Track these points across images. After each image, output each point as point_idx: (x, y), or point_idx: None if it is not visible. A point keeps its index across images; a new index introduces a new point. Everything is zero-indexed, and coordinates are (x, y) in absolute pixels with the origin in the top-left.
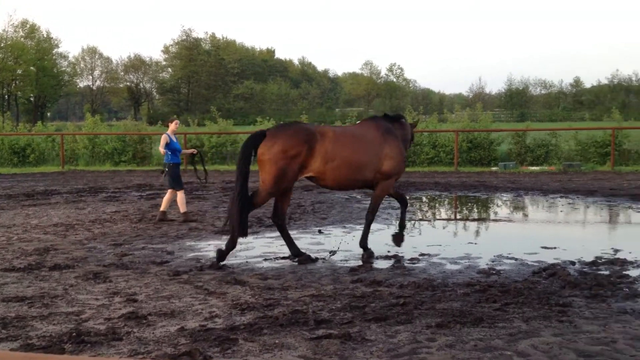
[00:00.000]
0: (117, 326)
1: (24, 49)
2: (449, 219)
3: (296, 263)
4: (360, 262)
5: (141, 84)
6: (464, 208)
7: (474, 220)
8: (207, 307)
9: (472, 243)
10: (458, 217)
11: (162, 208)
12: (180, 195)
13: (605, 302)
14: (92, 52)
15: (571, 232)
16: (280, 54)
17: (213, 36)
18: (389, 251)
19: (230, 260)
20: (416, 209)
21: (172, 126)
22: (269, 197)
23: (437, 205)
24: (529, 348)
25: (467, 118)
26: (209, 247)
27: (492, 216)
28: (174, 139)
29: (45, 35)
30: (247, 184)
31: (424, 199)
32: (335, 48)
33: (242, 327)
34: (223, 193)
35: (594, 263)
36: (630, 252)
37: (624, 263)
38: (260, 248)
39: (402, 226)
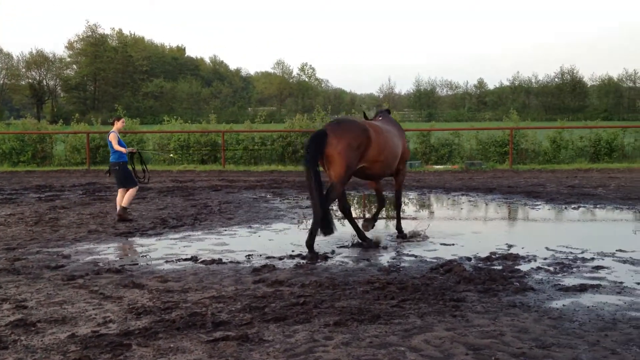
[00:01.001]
0: (3, 334)
1: None
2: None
3: (199, 264)
4: (263, 262)
5: (44, 81)
6: (371, 207)
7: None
8: (102, 312)
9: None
10: (364, 216)
11: (124, 203)
12: (133, 192)
13: (497, 296)
14: None
15: (469, 229)
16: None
17: (120, 32)
18: (293, 250)
19: (129, 263)
20: None
21: (119, 124)
22: (342, 187)
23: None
24: (422, 343)
25: None
26: (108, 250)
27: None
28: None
29: None
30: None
31: None
32: (248, 47)
33: (136, 332)
34: None
35: (488, 258)
36: (522, 248)
37: (516, 258)
38: (163, 250)
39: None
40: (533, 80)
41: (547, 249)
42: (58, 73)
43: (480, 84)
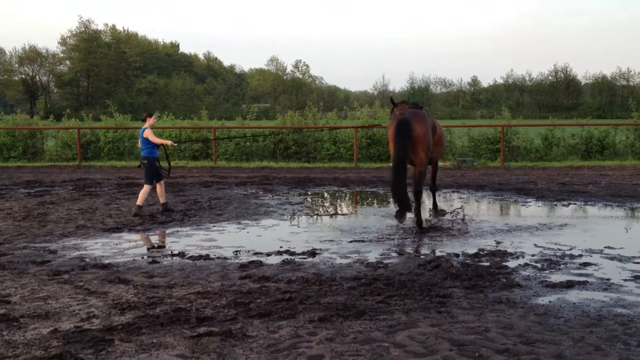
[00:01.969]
0: None
1: None
2: (345, 214)
3: (186, 260)
4: (250, 258)
5: (37, 77)
6: (363, 203)
7: (369, 215)
8: (86, 307)
9: (364, 238)
10: (355, 212)
11: (138, 202)
12: (147, 190)
13: (483, 292)
14: None
15: (457, 226)
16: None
17: (113, 28)
18: (281, 247)
19: (115, 259)
20: (313, 205)
21: (152, 120)
22: (426, 167)
23: (335, 200)
24: (406, 339)
25: (366, 115)
26: (95, 246)
27: (388, 211)
28: None
29: None
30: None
31: (325, 194)
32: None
33: (119, 328)
34: (117, 190)
35: (476, 255)
36: (511, 244)
37: (504, 255)
38: (150, 245)
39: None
40: (527, 78)
41: (536, 245)
42: (51, 69)
43: (474, 81)
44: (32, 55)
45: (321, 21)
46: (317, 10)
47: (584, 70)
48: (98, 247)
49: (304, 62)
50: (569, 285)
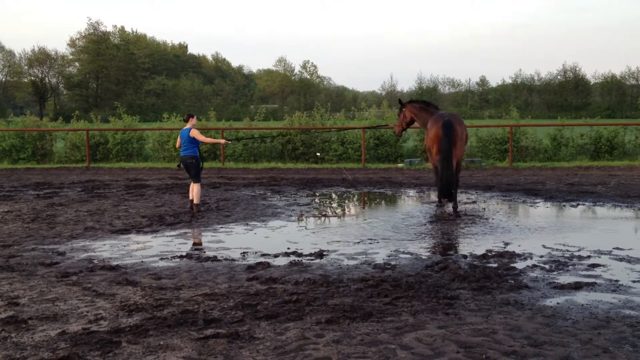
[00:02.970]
0: None
1: None
2: (352, 215)
3: (194, 261)
4: (258, 260)
5: (47, 79)
6: (371, 204)
7: (375, 216)
8: (93, 309)
9: (371, 239)
10: (362, 213)
11: (195, 201)
12: (199, 187)
13: (491, 294)
14: None
15: (465, 227)
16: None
17: (122, 30)
18: (288, 248)
19: (124, 260)
20: (321, 206)
21: (194, 121)
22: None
23: (343, 201)
24: (413, 341)
25: (374, 115)
26: (104, 247)
27: (394, 212)
28: None
29: None
30: None
31: (333, 195)
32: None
33: (127, 329)
34: (126, 191)
35: (484, 256)
36: (519, 245)
37: (512, 256)
38: (158, 247)
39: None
40: (535, 78)
41: (544, 246)
42: (60, 70)
43: (483, 81)
44: (41, 57)
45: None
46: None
47: (593, 69)
48: (106, 249)
49: (312, 63)
50: (577, 286)
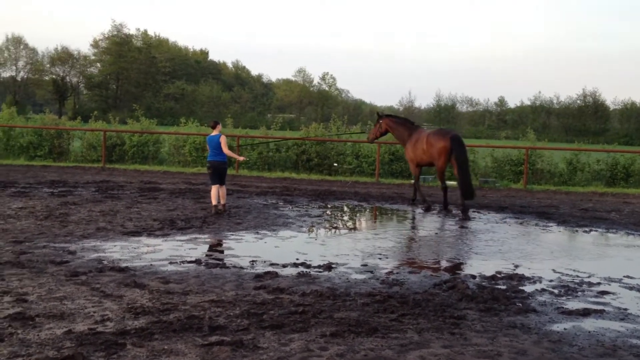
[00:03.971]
0: (0, 327)
1: None
2: (363, 229)
3: (202, 267)
4: (266, 269)
5: (68, 78)
6: (382, 219)
7: (386, 231)
8: (100, 310)
9: (380, 254)
10: (373, 227)
11: (223, 201)
12: (223, 190)
13: (498, 316)
14: (17, 41)
15: (476, 247)
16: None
17: (145, 33)
18: (297, 259)
19: (133, 263)
20: (332, 218)
21: (220, 127)
22: None
23: (354, 215)
24: (417, 359)
25: None
26: (114, 249)
27: (405, 227)
28: None
29: None
30: None
31: (345, 208)
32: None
33: (132, 332)
34: (139, 193)
35: (493, 277)
36: (529, 268)
37: (521, 278)
38: (168, 251)
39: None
40: (555, 101)
41: (554, 271)
42: (82, 70)
43: (501, 101)
44: (63, 56)
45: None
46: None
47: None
48: (117, 250)
49: (331, 75)
50: (586, 313)
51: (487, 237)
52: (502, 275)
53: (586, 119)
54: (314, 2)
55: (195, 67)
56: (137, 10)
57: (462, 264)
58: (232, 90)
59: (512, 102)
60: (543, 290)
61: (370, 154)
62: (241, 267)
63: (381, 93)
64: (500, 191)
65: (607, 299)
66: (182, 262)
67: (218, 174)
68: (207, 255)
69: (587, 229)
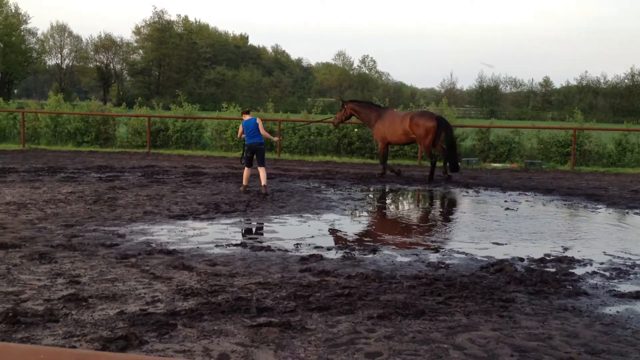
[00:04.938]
0: (55, 308)
1: None
2: (406, 212)
3: (248, 250)
4: (311, 252)
5: (111, 65)
6: (425, 202)
7: (430, 213)
8: (151, 291)
9: (424, 237)
10: (415, 210)
11: (264, 182)
12: (263, 172)
13: (548, 299)
14: (62, 29)
15: (523, 229)
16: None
17: (186, 19)
18: (341, 241)
19: (180, 245)
20: (375, 201)
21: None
22: None
23: (397, 198)
24: (466, 342)
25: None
26: (162, 232)
27: (449, 210)
28: None
29: (13, 10)
30: None
31: (387, 191)
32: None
33: (182, 313)
34: (183, 178)
35: (542, 260)
36: (579, 251)
37: (571, 261)
38: (214, 234)
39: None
40: (602, 81)
41: (605, 253)
42: (125, 57)
43: (546, 82)
44: (107, 44)
45: (389, 16)
46: (385, 4)
47: None
48: (164, 233)
49: (371, 58)
50: (638, 295)
51: (535, 219)
52: (551, 258)
53: (635, 99)
54: None
55: (235, 52)
56: None
57: (509, 246)
58: (272, 74)
59: (558, 83)
60: (594, 273)
61: None
62: (286, 250)
63: (422, 75)
64: (546, 173)
65: None
66: (228, 245)
67: (259, 156)
68: (252, 239)
69: (637, 211)
